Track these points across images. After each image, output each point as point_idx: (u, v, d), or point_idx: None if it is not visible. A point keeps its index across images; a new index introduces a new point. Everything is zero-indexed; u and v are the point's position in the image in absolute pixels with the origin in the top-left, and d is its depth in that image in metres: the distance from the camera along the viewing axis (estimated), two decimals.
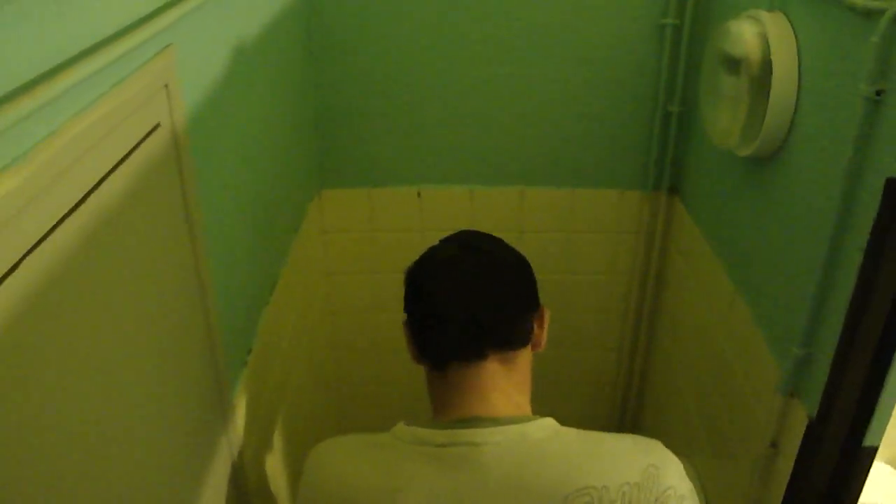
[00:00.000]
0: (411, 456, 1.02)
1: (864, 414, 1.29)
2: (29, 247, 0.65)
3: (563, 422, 1.04)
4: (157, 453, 0.98)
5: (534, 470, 0.97)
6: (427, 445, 1.01)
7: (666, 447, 1.07)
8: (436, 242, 1.19)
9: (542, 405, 1.11)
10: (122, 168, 0.84)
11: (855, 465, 1.34)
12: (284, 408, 1.71)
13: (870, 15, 1.16)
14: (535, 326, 1.15)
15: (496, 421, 1.02)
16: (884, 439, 1.32)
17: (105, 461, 0.81)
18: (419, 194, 2.30)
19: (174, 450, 1.04)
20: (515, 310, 1.12)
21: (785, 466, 1.46)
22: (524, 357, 1.12)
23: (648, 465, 1.00)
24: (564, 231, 2.37)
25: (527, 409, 1.10)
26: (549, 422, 1.04)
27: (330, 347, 2.50)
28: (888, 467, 2.23)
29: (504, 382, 1.07)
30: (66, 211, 0.71)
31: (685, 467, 1.99)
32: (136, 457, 0.91)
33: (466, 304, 1.07)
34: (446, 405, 1.07)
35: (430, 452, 1.00)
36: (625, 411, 2.72)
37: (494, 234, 1.21)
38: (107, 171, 0.80)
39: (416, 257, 1.17)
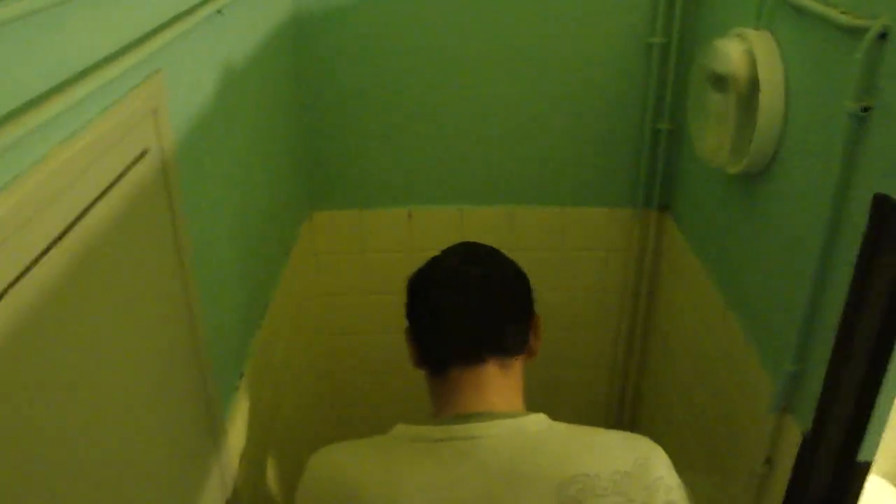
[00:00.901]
0: (410, 452, 1.04)
1: (857, 429, 1.29)
2: (16, 274, 0.64)
3: None
4: (148, 481, 0.97)
5: (529, 459, 1.01)
6: (425, 441, 1.04)
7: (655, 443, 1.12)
8: (437, 254, 1.23)
9: None
10: (110, 194, 0.83)
11: (850, 480, 1.33)
12: (278, 430, 1.70)
13: (854, 32, 1.17)
14: (531, 335, 1.18)
15: (493, 415, 1.05)
16: (879, 452, 1.32)
17: (94, 490, 0.80)
18: (410, 215, 2.30)
19: (165, 477, 1.03)
20: (513, 319, 1.15)
21: (780, 482, 1.45)
22: (520, 363, 1.16)
23: (639, 456, 1.05)
24: (555, 249, 2.37)
25: (521, 407, 1.14)
26: (543, 417, 1.08)
27: (323, 368, 2.49)
28: (883, 481, 2.23)
29: (500, 383, 1.11)
30: (53, 238, 0.70)
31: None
32: (126, 484, 0.90)
33: (467, 314, 1.13)
34: (445, 404, 1.11)
35: (429, 448, 1.03)
36: (619, 428, 2.71)
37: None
38: (94, 197, 0.79)
39: (415, 269, 1.21)
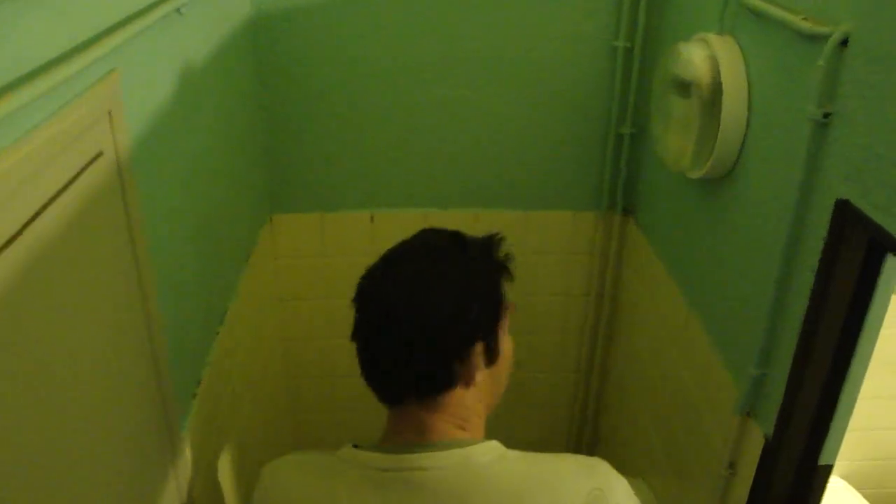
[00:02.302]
0: (356, 479, 1.01)
1: (819, 433, 1.30)
2: None
3: (518, 443, 1.03)
4: (102, 487, 0.94)
5: (477, 497, 0.96)
6: (370, 469, 1.00)
7: (611, 466, 1.06)
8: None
9: (498, 426, 1.11)
10: (63, 198, 0.81)
11: (812, 483, 1.34)
12: (235, 437, 1.67)
13: (816, 39, 1.18)
14: (467, 366, 1.02)
15: (437, 446, 1.01)
16: (839, 454, 1.33)
17: (45, 495, 0.77)
18: (372, 218, 2.28)
19: (119, 482, 1.00)
20: (434, 358, 1.01)
21: (743, 486, 1.46)
22: (462, 392, 1.03)
23: (592, 489, 1.00)
24: (519, 253, 2.34)
25: (474, 433, 1.06)
26: (494, 445, 1.02)
27: (283, 374, 2.46)
28: (844, 482, 2.26)
29: (436, 418, 1.03)
30: (3, 242, 0.68)
31: (638, 485, 1.99)
32: (80, 489, 0.87)
33: (380, 352, 1.02)
34: (391, 430, 1.06)
35: (374, 477, 1.00)
36: (582, 432, 2.72)
37: None
38: (46, 201, 0.77)
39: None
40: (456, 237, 1.14)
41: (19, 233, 0.71)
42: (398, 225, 2.28)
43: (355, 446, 1.06)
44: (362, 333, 1.04)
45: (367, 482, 1.00)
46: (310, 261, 2.33)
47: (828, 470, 1.33)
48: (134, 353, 1.06)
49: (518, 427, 1.09)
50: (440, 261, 1.08)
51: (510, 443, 1.10)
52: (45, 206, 0.76)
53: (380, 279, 1.06)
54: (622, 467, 1.07)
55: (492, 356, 1.06)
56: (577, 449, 2.74)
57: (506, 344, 1.12)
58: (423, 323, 0.99)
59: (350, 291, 1.09)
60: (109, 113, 0.94)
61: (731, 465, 1.50)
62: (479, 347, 1.03)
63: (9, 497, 0.70)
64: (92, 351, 0.91)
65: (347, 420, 2.58)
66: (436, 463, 0.99)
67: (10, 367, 0.70)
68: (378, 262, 1.09)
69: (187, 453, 1.28)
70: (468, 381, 1.02)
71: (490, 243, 1.16)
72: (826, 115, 1.16)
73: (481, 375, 1.04)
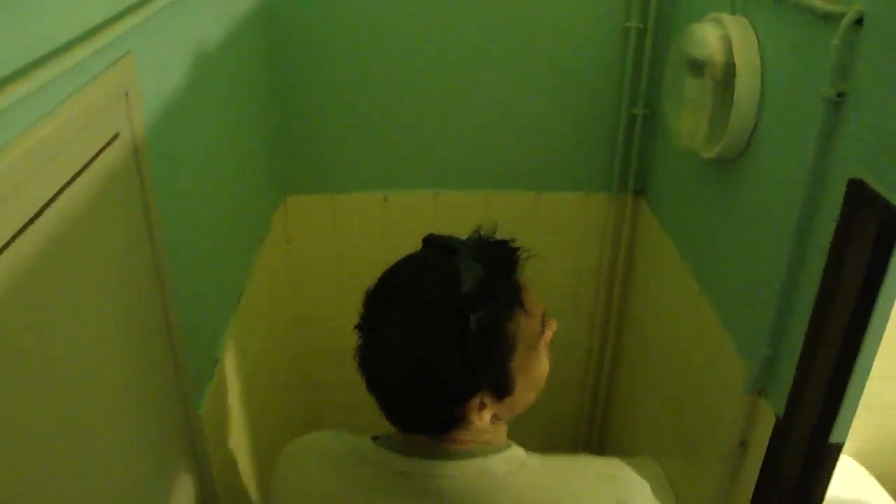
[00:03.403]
0: (370, 480, 1.00)
1: (829, 411, 1.30)
2: None
3: (529, 424, 1.01)
4: (119, 468, 0.96)
5: None
6: (387, 471, 0.99)
7: (632, 471, 1.04)
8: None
9: None
10: (81, 180, 0.82)
11: (822, 461, 1.35)
12: (252, 418, 1.69)
13: (830, 18, 1.18)
14: (482, 404, 0.94)
15: (456, 455, 0.97)
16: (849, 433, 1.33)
17: (61, 481, 0.79)
18: (385, 199, 2.29)
19: (137, 464, 1.02)
20: (429, 402, 0.93)
21: (753, 464, 1.47)
22: (472, 425, 0.96)
23: (615, 503, 0.98)
24: (530, 234, 2.35)
25: (497, 438, 1.02)
26: (514, 454, 1.00)
27: (296, 354, 2.47)
28: (854, 461, 2.27)
29: (447, 440, 0.98)
30: (22, 224, 0.69)
31: (649, 463, 1.99)
32: (96, 472, 0.88)
33: (380, 387, 0.99)
34: None
35: (389, 480, 0.99)
36: (593, 412, 2.73)
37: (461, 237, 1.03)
38: (64, 183, 0.78)
39: (382, 263, 1.05)
40: (451, 277, 0.93)
41: (39, 213, 0.72)
42: (410, 205, 2.29)
43: (374, 438, 1.05)
44: (364, 366, 1.02)
45: (382, 484, 0.99)
46: (323, 241, 2.34)
47: (838, 448, 1.33)
48: (151, 334, 1.07)
49: (529, 408, 1.07)
50: (428, 315, 0.93)
51: (521, 424, 1.09)
52: (64, 187, 0.77)
53: (384, 281, 1.02)
54: (633, 446, 1.07)
55: (502, 392, 0.97)
56: (588, 427, 2.76)
57: (530, 370, 1.01)
58: (415, 383, 0.93)
59: (364, 271, 1.07)
60: (126, 94, 0.95)
61: (742, 444, 1.51)
62: (477, 398, 0.94)
63: (21, 474, 0.71)
64: (109, 332, 0.92)
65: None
66: (453, 472, 0.96)
67: (28, 350, 0.72)
68: (375, 296, 1.02)
69: (206, 433, 1.30)
70: (477, 419, 0.95)
71: (501, 266, 1.00)
72: (840, 95, 1.16)
73: (492, 410, 0.96)
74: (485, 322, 0.90)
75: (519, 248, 1.02)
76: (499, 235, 1.04)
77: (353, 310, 1.07)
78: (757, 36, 1.44)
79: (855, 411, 1.30)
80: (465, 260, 0.94)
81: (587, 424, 2.77)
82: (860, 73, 1.12)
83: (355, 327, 1.01)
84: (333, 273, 2.40)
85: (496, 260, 0.98)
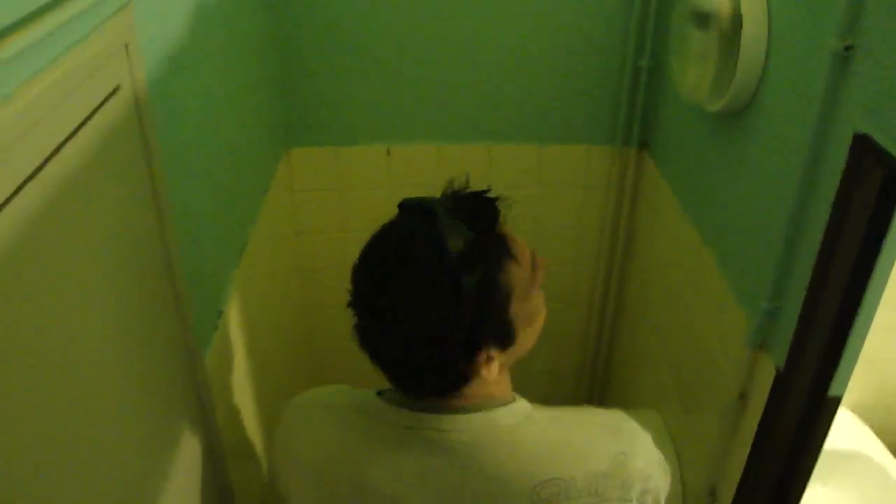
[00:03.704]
0: (380, 434, 1.01)
1: (829, 365, 1.31)
2: None
3: (531, 374, 1.02)
4: (127, 425, 0.97)
5: (501, 459, 0.96)
6: (395, 426, 1.00)
7: (636, 423, 1.06)
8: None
9: None
10: (81, 133, 0.81)
11: (820, 414, 1.36)
12: (257, 369, 1.70)
13: None
14: (487, 357, 0.96)
15: (463, 408, 0.99)
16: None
17: (67, 432, 0.80)
18: (388, 152, 2.28)
19: (146, 416, 1.03)
20: (435, 367, 0.96)
21: (752, 417, 1.48)
22: (479, 379, 0.98)
23: (617, 454, 1.00)
24: (533, 187, 2.36)
25: (502, 391, 1.04)
26: (520, 406, 1.01)
27: (300, 305, 2.49)
28: (851, 413, 2.29)
29: (454, 395, 1.01)
30: (23, 179, 0.69)
31: (651, 416, 2.01)
32: (103, 427, 0.89)
33: (380, 350, 1.00)
34: None
35: (398, 434, 1.00)
36: (595, 365, 2.75)
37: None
38: (65, 137, 0.77)
39: (385, 216, 1.06)
40: (437, 242, 0.93)
41: (41, 167, 0.72)
42: (413, 158, 2.28)
43: (380, 393, 1.06)
44: (365, 344, 1.02)
45: (388, 438, 1.00)
46: (327, 194, 2.34)
47: (837, 401, 1.34)
48: (155, 285, 1.08)
49: (531, 359, 1.09)
50: (423, 285, 0.93)
51: (522, 374, 1.10)
52: (65, 141, 0.77)
53: (376, 242, 1.04)
54: (635, 399, 1.08)
55: (506, 342, 1.00)
56: (591, 379, 2.78)
57: (528, 315, 1.03)
58: (422, 353, 0.95)
59: (367, 224, 1.08)
60: (126, 46, 0.94)
61: (742, 397, 1.52)
62: (483, 353, 0.96)
63: (24, 420, 0.72)
64: (112, 284, 0.92)
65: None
66: (460, 426, 0.98)
67: (31, 304, 0.72)
68: (365, 274, 1.04)
69: (211, 384, 1.31)
70: (486, 372, 0.97)
71: (483, 220, 0.99)
72: (847, 48, 1.14)
73: (498, 361, 0.99)
74: (479, 280, 0.91)
75: (497, 197, 1.01)
76: (500, 188, 1.04)
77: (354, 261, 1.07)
78: None
79: (855, 364, 1.30)
80: (446, 220, 0.93)
81: (589, 377, 2.79)
82: (869, 26, 1.10)
83: (348, 305, 1.01)
84: (337, 225, 2.40)
85: (477, 215, 0.97)
